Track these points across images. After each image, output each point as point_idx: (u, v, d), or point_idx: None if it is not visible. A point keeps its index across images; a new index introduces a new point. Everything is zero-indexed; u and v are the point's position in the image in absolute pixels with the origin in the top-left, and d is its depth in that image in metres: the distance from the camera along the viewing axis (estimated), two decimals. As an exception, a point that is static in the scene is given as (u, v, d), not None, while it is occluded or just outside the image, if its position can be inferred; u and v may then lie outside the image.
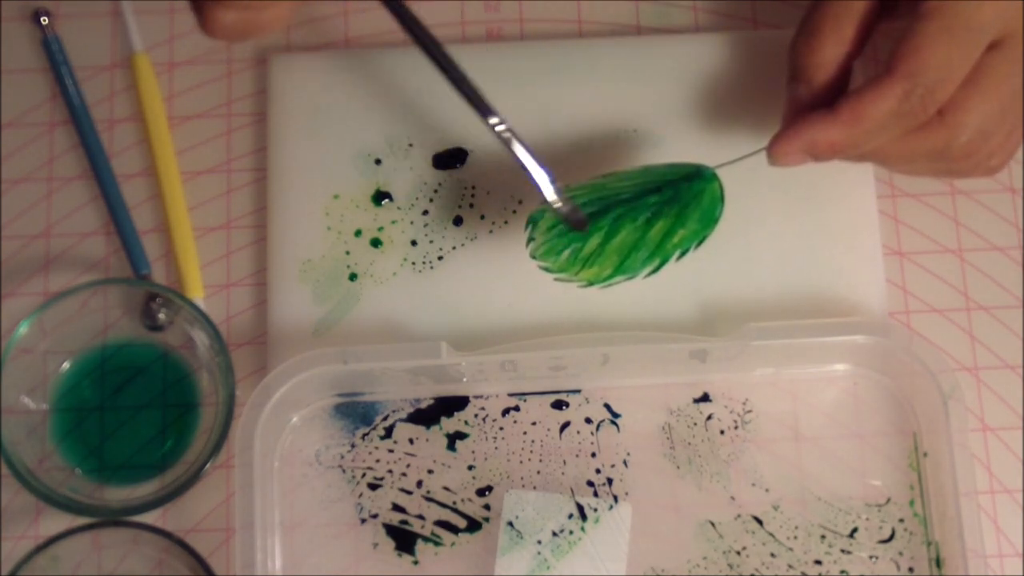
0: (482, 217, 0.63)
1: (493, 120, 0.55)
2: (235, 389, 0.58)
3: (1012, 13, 0.53)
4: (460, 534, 0.60)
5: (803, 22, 0.57)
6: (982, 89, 0.53)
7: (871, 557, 0.59)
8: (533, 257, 0.57)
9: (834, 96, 0.55)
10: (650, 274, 0.56)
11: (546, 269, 0.57)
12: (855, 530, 0.60)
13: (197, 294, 0.62)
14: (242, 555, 0.56)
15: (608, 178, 0.57)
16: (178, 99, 0.66)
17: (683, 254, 0.56)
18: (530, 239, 0.57)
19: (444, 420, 0.61)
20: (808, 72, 0.55)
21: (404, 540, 0.60)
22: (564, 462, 0.60)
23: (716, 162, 0.57)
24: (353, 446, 0.61)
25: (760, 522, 0.60)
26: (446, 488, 0.60)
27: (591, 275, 0.56)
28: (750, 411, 0.61)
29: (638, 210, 0.56)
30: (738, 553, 0.59)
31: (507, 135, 0.55)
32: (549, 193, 0.56)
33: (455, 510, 0.60)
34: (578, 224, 0.56)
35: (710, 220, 0.56)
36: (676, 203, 0.56)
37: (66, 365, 0.61)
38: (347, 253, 0.62)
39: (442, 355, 0.58)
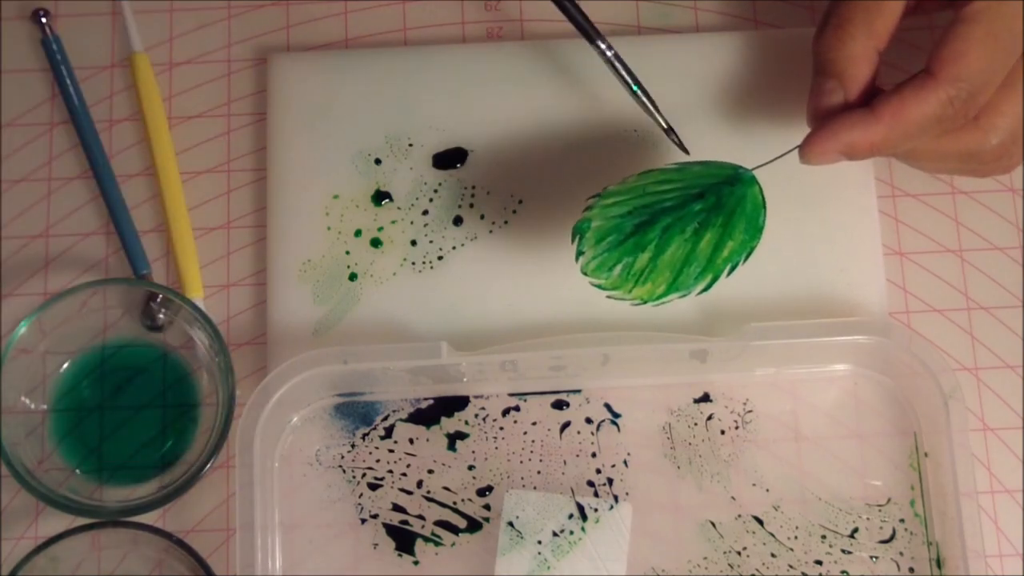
0: (482, 217, 0.63)
1: (602, 45, 0.60)
2: (235, 389, 0.57)
3: None
4: (460, 534, 0.60)
5: (830, 15, 0.56)
6: (1017, 91, 0.53)
7: (872, 557, 0.59)
8: (584, 273, 0.55)
9: (863, 91, 0.54)
10: (703, 291, 0.55)
11: (598, 286, 0.55)
12: (856, 530, 0.60)
13: (197, 294, 0.62)
14: (242, 555, 0.56)
15: (644, 179, 0.56)
16: (178, 99, 0.66)
17: (733, 268, 0.55)
18: (579, 252, 0.55)
19: (444, 420, 0.61)
20: (838, 66, 0.54)
21: (404, 540, 0.59)
22: (564, 462, 0.60)
23: (726, 159, 0.57)
24: (353, 446, 0.61)
25: (760, 522, 0.60)
26: (446, 488, 0.60)
27: (644, 293, 0.55)
28: (750, 411, 0.61)
29: (685, 220, 0.55)
30: (739, 553, 0.59)
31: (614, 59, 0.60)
32: (660, 119, 0.60)
33: (455, 510, 0.60)
34: (681, 147, 0.61)
35: (756, 230, 0.55)
36: (721, 211, 0.55)
37: (66, 365, 0.61)
38: (347, 253, 0.62)
39: (442, 355, 0.58)
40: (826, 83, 0.55)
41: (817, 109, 0.55)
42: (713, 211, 0.55)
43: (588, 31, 0.60)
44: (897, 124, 0.52)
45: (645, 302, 0.55)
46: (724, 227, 0.55)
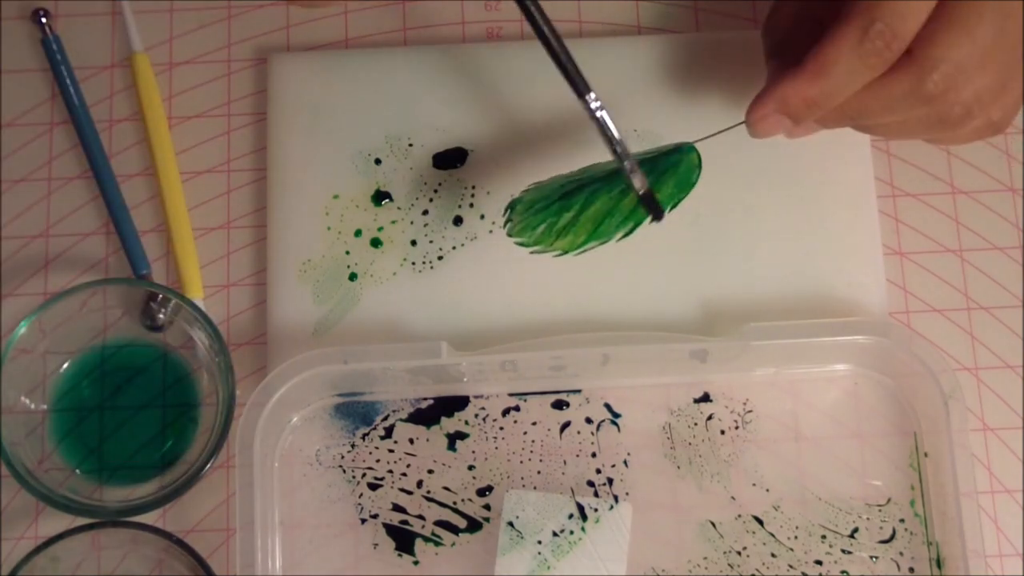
0: (482, 217, 0.63)
1: (590, 98, 0.55)
2: (235, 389, 0.57)
3: None
4: (460, 534, 0.60)
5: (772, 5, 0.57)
6: (949, 22, 0.51)
7: (872, 557, 0.59)
8: (509, 235, 0.57)
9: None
10: (623, 237, 0.56)
11: (522, 244, 0.57)
12: (856, 530, 0.60)
13: (197, 294, 0.62)
14: (242, 555, 0.56)
15: (588, 167, 0.58)
16: (178, 99, 0.66)
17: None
18: (507, 221, 0.58)
19: (444, 420, 0.61)
20: (780, 47, 0.55)
21: (404, 540, 0.60)
22: (564, 462, 0.60)
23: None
24: (353, 446, 0.61)
25: (761, 522, 0.60)
26: (446, 488, 0.60)
27: (565, 244, 0.57)
28: (750, 411, 0.61)
29: (614, 183, 0.56)
30: (739, 553, 0.59)
31: (601, 115, 0.55)
32: (637, 180, 0.55)
33: (455, 510, 0.60)
34: (655, 212, 0.55)
35: (687, 184, 0.56)
36: (652, 173, 0.56)
37: (66, 365, 0.61)
38: (347, 253, 0.62)
39: (442, 355, 0.58)
40: (772, 65, 0.55)
41: (766, 87, 0.54)
42: (644, 173, 0.56)
43: (577, 83, 0.55)
44: (822, 70, 0.51)
45: (566, 252, 0.56)
46: (653, 184, 0.56)
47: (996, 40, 0.52)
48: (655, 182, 0.56)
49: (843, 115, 0.54)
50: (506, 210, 0.58)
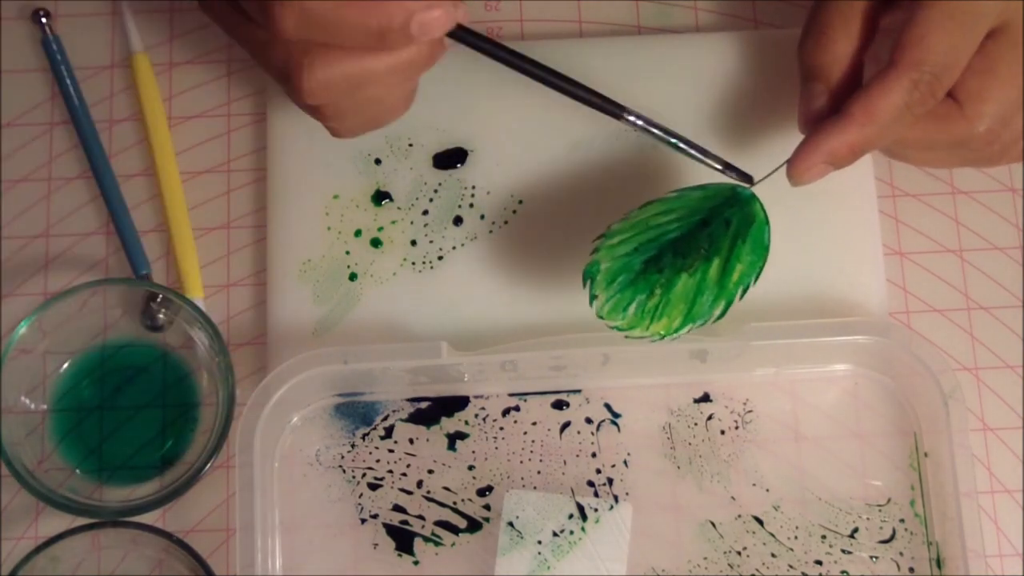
0: (482, 217, 0.63)
1: (630, 116, 0.55)
2: (235, 389, 0.57)
3: None
4: (460, 534, 0.60)
5: (810, 21, 0.56)
6: (997, 76, 0.53)
7: (872, 557, 0.59)
8: (600, 316, 0.55)
9: (849, 92, 0.54)
10: (719, 318, 0.55)
11: (616, 328, 0.55)
12: (856, 530, 0.60)
13: (197, 294, 0.62)
14: (242, 555, 0.56)
15: (645, 212, 0.56)
16: (178, 99, 0.65)
17: (745, 291, 0.55)
18: (592, 296, 0.55)
19: (444, 420, 0.61)
20: (823, 71, 0.55)
21: (404, 540, 0.60)
22: (564, 462, 0.60)
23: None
24: (353, 446, 0.61)
25: (761, 522, 0.60)
26: (446, 488, 0.60)
27: (662, 328, 0.54)
28: (750, 411, 0.61)
29: (691, 249, 0.55)
30: (739, 553, 0.59)
31: (643, 125, 0.55)
32: (713, 162, 0.56)
33: (455, 510, 0.60)
34: (744, 178, 0.56)
35: (762, 248, 0.55)
36: (725, 235, 0.55)
37: (66, 365, 0.61)
38: (347, 253, 0.62)
39: (442, 355, 0.58)
40: (813, 88, 0.55)
41: (807, 114, 0.55)
42: (717, 236, 0.55)
43: (611, 108, 0.56)
44: (868, 119, 0.52)
45: (664, 337, 0.55)
46: (730, 250, 0.55)
47: None
48: (730, 248, 0.55)
49: (881, 150, 0.55)
50: (585, 280, 0.55)
